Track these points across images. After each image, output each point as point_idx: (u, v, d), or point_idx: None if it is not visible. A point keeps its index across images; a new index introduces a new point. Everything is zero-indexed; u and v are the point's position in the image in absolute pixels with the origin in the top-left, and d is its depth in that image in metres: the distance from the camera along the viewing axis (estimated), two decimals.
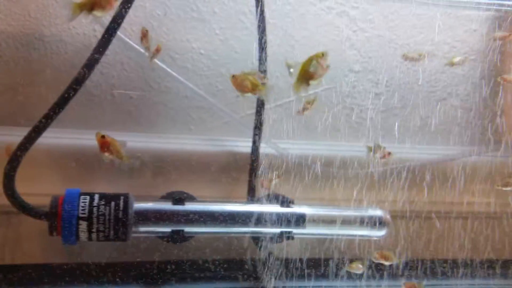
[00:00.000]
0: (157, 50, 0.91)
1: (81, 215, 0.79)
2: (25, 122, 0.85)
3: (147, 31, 0.89)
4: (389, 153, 0.94)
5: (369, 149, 0.95)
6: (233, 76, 0.79)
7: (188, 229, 0.89)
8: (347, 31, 1.10)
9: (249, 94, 0.79)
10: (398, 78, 1.07)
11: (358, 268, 0.96)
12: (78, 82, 0.84)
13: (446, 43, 1.16)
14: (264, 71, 0.95)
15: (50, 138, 0.87)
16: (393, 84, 1.06)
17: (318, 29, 1.08)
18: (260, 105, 0.99)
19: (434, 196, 1.06)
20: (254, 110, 1.01)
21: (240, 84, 0.78)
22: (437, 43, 1.15)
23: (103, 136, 0.80)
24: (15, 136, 0.84)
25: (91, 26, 0.99)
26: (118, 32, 0.86)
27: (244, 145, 1.04)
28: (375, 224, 0.96)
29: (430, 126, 1.07)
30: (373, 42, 1.11)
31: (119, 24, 0.84)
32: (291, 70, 0.81)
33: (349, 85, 1.09)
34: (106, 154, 0.81)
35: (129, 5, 0.83)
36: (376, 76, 1.11)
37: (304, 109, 0.93)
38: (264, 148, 1.02)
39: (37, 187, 0.91)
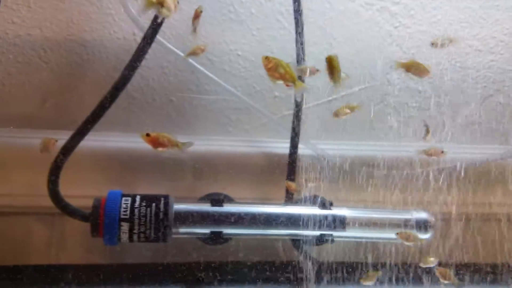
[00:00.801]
0: (202, 50, 0.92)
1: (122, 216, 0.81)
2: (69, 126, 0.87)
3: (201, 11, 0.88)
4: (442, 152, 0.90)
5: (427, 131, 0.91)
6: (266, 57, 0.74)
7: (226, 230, 0.89)
8: (388, 27, 1.07)
9: (280, 82, 0.74)
10: (442, 74, 1.03)
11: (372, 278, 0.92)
12: (119, 86, 0.86)
13: (493, 37, 1.10)
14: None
15: (93, 141, 0.90)
16: (437, 80, 1.02)
17: (357, 26, 1.06)
18: (298, 105, 0.98)
19: (481, 197, 1.01)
20: (291, 111, 1.00)
21: (273, 68, 0.73)
22: (483, 37, 1.10)
23: (148, 134, 0.78)
24: (60, 140, 0.87)
25: (131, 30, 1.01)
26: (158, 36, 0.87)
27: (282, 146, 1.03)
28: (419, 227, 0.92)
29: (477, 124, 1.03)
30: (415, 38, 1.07)
31: (157, 28, 0.86)
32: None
33: (391, 83, 1.06)
34: (161, 149, 0.79)
35: None
36: None
37: (342, 113, 0.90)
38: (303, 149, 1.00)
39: (80, 189, 0.93)
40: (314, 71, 0.86)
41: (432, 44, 0.92)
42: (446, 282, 0.90)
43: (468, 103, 1.05)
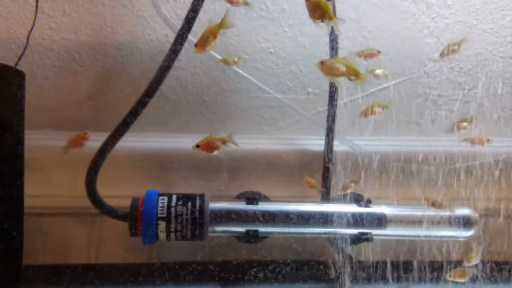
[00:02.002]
0: (234, 62, 0.92)
1: (160, 215, 0.81)
2: (106, 127, 0.88)
3: None
4: (488, 140, 0.86)
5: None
6: (322, 62, 0.71)
7: (262, 229, 0.88)
8: (425, 19, 1.04)
9: (342, 78, 0.70)
10: (483, 65, 0.99)
11: None
12: (153, 88, 0.87)
13: None
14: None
15: (129, 141, 0.91)
16: (477, 72, 0.98)
17: (392, 18, 1.03)
18: (333, 101, 0.96)
19: None
20: (325, 107, 0.98)
21: (330, 69, 0.70)
22: None
23: (197, 146, 0.80)
24: (97, 141, 0.88)
25: (164, 32, 1.02)
26: (190, 36, 0.87)
27: (316, 143, 1.01)
28: (462, 224, 0.89)
29: None
30: (453, 29, 1.03)
31: (189, 28, 0.86)
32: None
33: (429, 75, 1.03)
34: (215, 152, 0.81)
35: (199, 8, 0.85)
36: (458, 65, 1.03)
37: (370, 112, 0.87)
38: (338, 146, 0.99)
39: (118, 189, 0.94)
40: (375, 54, 0.84)
41: (441, 54, 0.88)
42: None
43: (509, 94, 1.01)
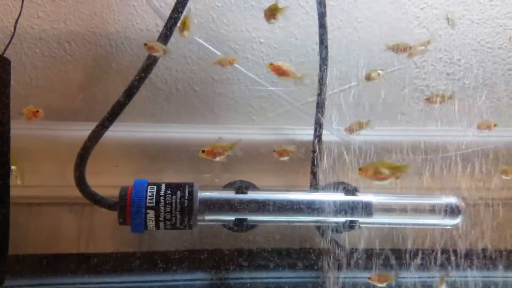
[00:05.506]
0: (230, 62, 0.92)
1: (149, 204, 0.81)
2: (95, 117, 0.88)
3: None
4: (495, 125, 0.86)
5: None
6: (361, 169, 0.74)
7: (251, 217, 0.89)
8: (414, 9, 1.04)
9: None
10: (471, 56, 0.99)
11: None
12: (141, 77, 0.87)
13: None
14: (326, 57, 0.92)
15: (119, 131, 0.91)
16: (466, 62, 0.99)
17: (382, 8, 1.03)
18: (322, 91, 0.96)
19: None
20: (315, 97, 0.98)
21: (373, 174, 0.73)
22: None
23: (203, 151, 0.84)
24: (86, 131, 0.88)
25: (153, 21, 1.02)
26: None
27: (306, 133, 1.01)
28: (448, 212, 0.90)
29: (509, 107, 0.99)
30: (443, 19, 1.04)
31: (178, 17, 0.86)
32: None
33: (418, 66, 1.03)
34: (218, 158, 0.85)
35: None
36: (447, 55, 1.04)
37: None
38: (327, 135, 0.99)
39: (107, 179, 0.94)
40: (406, 48, 0.84)
41: (410, 55, 0.89)
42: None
43: (498, 84, 1.01)
